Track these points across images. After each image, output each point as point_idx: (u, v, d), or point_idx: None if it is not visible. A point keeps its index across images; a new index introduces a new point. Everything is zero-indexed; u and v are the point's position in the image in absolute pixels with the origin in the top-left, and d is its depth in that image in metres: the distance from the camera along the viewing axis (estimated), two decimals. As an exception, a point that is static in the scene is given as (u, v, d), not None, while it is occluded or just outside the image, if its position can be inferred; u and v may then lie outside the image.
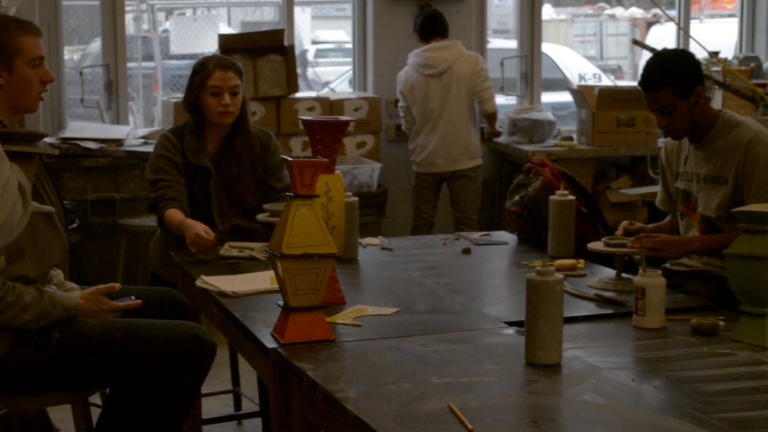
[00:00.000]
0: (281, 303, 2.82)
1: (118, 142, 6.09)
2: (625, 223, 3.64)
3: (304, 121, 3.12)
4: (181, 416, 3.26)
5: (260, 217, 3.80)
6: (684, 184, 3.73)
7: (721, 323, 2.90)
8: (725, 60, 6.79)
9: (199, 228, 3.87)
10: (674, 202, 3.82)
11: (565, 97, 7.38)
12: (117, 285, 3.37)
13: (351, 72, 7.24)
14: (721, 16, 13.39)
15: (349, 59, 7.27)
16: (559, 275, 2.65)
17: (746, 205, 3.12)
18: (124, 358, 3.15)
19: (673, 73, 3.54)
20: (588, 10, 16.45)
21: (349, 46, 7.27)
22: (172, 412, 3.22)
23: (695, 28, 8.41)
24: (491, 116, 6.48)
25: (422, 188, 6.51)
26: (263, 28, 9.37)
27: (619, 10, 16.28)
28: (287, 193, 2.80)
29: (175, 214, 4.00)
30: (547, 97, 8.06)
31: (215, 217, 4.11)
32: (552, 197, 3.86)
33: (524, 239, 4.16)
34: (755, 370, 2.58)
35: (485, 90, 6.33)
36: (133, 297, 3.39)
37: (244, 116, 4.18)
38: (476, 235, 4.32)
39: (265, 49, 6.34)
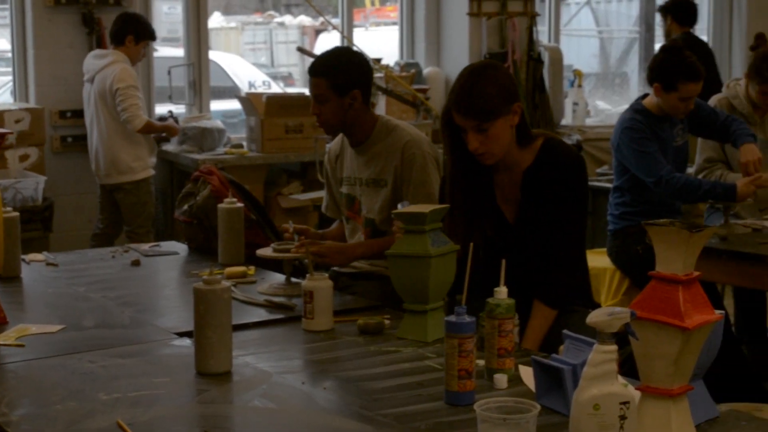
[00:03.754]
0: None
1: None
2: (286, 226, 3.67)
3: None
4: None
5: None
6: (348, 189, 3.82)
7: (387, 322, 3.00)
8: (387, 66, 7.02)
9: None
10: (340, 207, 3.90)
11: (236, 104, 7.40)
12: None
13: (11, 82, 6.95)
14: (386, 24, 13.82)
15: (10, 69, 6.98)
16: (227, 283, 2.66)
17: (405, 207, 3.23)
18: None
19: (334, 67, 3.62)
20: (258, 18, 16.56)
21: (9, 55, 6.97)
22: None
23: (361, 35, 8.66)
24: (144, 130, 6.33)
25: (99, 199, 6.38)
26: None
27: (288, 18, 16.49)
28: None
29: None
30: (217, 105, 8.04)
31: None
32: (220, 205, 3.86)
33: (195, 248, 4.13)
34: (419, 365, 2.68)
35: (124, 110, 6.10)
36: None
37: None
38: (146, 246, 4.26)
39: None
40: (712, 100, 5.04)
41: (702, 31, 8.67)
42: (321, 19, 8.38)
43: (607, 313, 1.97)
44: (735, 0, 8.49)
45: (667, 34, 7.22)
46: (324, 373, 2.65)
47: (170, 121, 6.67)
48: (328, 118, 3.65)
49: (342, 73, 3.62)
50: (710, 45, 8.33)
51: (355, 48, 5.37)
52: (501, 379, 2.48)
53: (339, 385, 2.56)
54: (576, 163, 3.26)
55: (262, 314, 3.19)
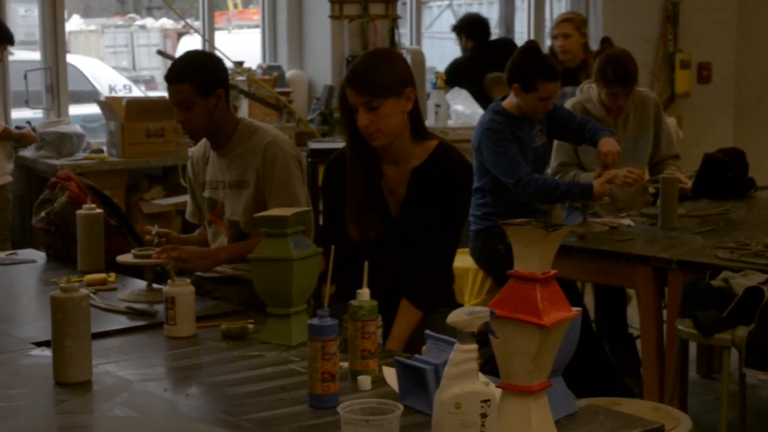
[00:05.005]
0: None
1: None
2: (149, 228, 3.62)
3: None
4: None
5: None
6: (210, 193, 3.79)
7: (250, 326, 2.97)
8: (249, 69, 6.98)
9: None
10: (202, 211, 3.87)
11: (96, 109, 7.25)
12: None
13: None
14: (249, 26, 13.74)
15: None
16: (85, 291, 2.61)
17: (268, 210, 3.23)
18: None
19: (196, 70, 3.60)
20: (118, 20, 16.30)
21: None
22: None
23: (224, 38, 8.59)
24: (0, 137, 6.14)
25: None
26: None
27: (149, 21, 16.26)
28: None
29: None
30: (77, 110, 7.87)
31: None
32: (79, 212, 3.78)
33: (53, 256, 4.04)
34: (283, 369, 2.67)
35: None
36: None
37: None
38: (2, 255, 4.16)
39: None
40: (567, 105, 5.15)
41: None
42: (183, 22, 8.28)
43: (466, 313, 1.99)
44: (591, 3, 8.67)
45: (464, 49, 7.85)
46: (187, 380, 2.62)
47: (27, 129, 6.51)
48: (196, 123, 3.61)
49: (204, 74, 3.60)
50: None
51: (207, 50, 5.33)
52: (365, 381, 2.49)
53: (202, 391, 2.53)
54: (467, 172, 3.32)
55: (123, 321, 3.14)
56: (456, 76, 7.67)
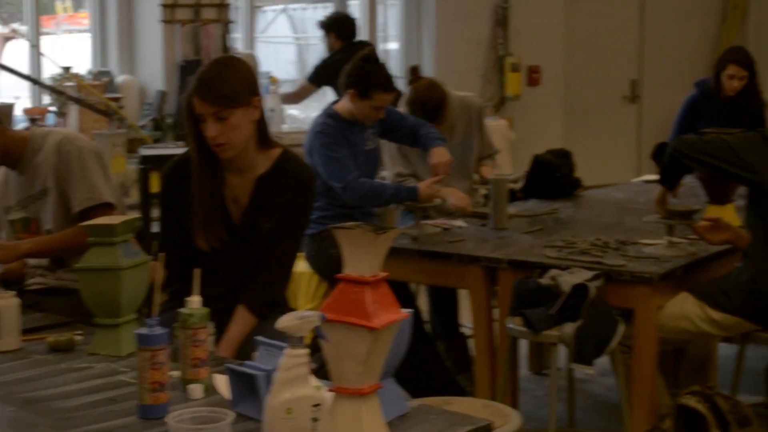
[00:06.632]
0: None
1: None
2: None
3: None
4: None
5: None
6: (21, 213, 3.59)
7: (78, 338, 2.91)
8: (77, 75, 6.83)
9: None
10: (16, 234, 3.68)
11: None
12: None
13: None
14: (80, 31, 13.43)
15: None
16: None
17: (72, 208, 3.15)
18: None
19: None
20: (-60, 24, 15.76)
21: None
22: None
23: (53, 42, 8.35)
24: None
25: None
26: None
27: (-26, 26, 15.79)
28: None
29: None
30: None
31: None
32: None
33: None
34: (112, 380, 2.62)
35: None
36: None
37: None
38: None
39: None
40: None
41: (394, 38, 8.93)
42: (12, 25, 8.05)
43: (296, 318, 1.99)
44: (423, 6, 8.77)
45: (331, 48, 7.62)
46: (12, 395, 2.54)
47: None
48: None
49: None
50: (403, 53, 8.65)
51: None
52: (196, 390, 2.46)
53: (28, 405, 2.46)
54: (311, 181, 3.34)
55: (-57, 337, 3.02)
56: (323, 75, 7.55)
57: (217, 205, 3.24)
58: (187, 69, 6.93)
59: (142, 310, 2.96)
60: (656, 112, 9.85)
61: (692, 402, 3.67)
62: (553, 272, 3.84)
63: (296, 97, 7.80)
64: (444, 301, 5.25)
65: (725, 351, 4.96)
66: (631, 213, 5.07)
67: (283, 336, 2.00)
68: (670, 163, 4.15)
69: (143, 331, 2.33)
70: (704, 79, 6.84)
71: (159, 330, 2.33)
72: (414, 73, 5.42)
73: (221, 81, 3.11)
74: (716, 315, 3.92)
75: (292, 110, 7.59)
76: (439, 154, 4.76)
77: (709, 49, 10.13)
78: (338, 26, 7.65)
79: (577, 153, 5.98)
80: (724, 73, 6.43)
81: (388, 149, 5.30)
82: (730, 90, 6.43)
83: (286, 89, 7.97)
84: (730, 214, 4.41)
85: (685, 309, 3.96)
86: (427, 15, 8.74)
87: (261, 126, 3.22)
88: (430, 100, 5.10)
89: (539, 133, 8.91)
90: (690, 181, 4.72)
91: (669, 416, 3.74)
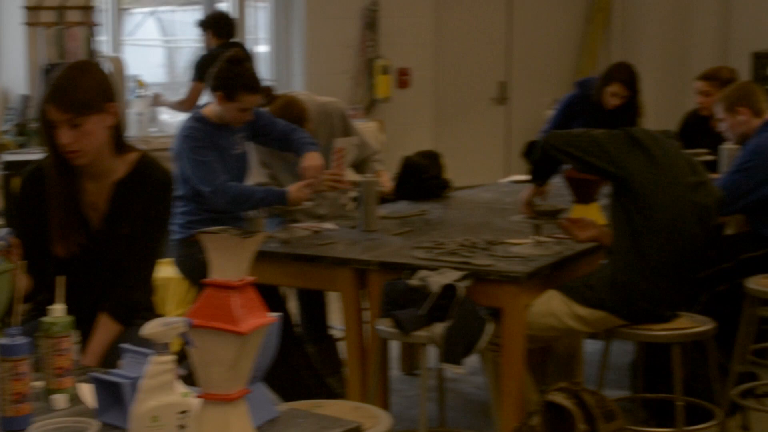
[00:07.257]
0: None
1: None
2: None
3: None
4: None
5: None
6: None
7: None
8: None
9: None
10: None
11: None
12: None
13: None
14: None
15: None
16: None
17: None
18: None
19: None
20: None
21: None
22: None
23: None
24: None
25: None
26: None
27: None
28: None
29: None
30: None
31: None
32: None
33: None
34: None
35: None
36: None
37: None
38: None
39: None
40: None
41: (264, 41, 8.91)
42: None
43: (161, 324, 1.97)
44: (294, 9, 8.76)
45: (208, 47, 7.58)
46: None
47: None
48: None
49: None
50: (273, 56, 8.63)
51: None
52: (59, 400, 2.41)
53: None
54: (169, 185, 3.31)
55: None
56: (206, 69, 7.43)
57: (72, 211, 3.18)
58: (51, 73, 6.78)
59: (4, 319, 2.89)
60: (524, 113, 10.03)
61: (559, 398, 3.75)
62: (423, 273, 3.87)
63: (190, 101, 7.67)
64: (313, 304, 5.25)
65: (591, 347, 5.07)
66: (498, 213, 5.14)
67: (149, 343, 1.98)
68: (541, 158, 4.24)
69: (4, 341, 2.28)
70: (587, 79, 6.98)
71: (20, 339, 2.28)
72: (268, 93, 5.35)
73: (74, 87, 3.05)
74: (582, 311, 4.01)
75: (164, 113, 7.50)
76: (311, 159, 4.76)
77: (575, 52, 10.36)
78: (216, 24, 7.62)
79: (447, 154, 6.05)
80: (607, 88, 6.55)
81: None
82: (610, 105, 6.57)
83: (154, 91, 7.87)
84: (595, 213, 4.52)
85: (552, 306, 4.04)
86: (296, 18, 8.74)
87: (117, 131, 3.18)
88: (288, 119, 5.05)
89: (409, 134, 8.99)
90: (556, 182, 4.81)
91: (537, 413, 3.81)
